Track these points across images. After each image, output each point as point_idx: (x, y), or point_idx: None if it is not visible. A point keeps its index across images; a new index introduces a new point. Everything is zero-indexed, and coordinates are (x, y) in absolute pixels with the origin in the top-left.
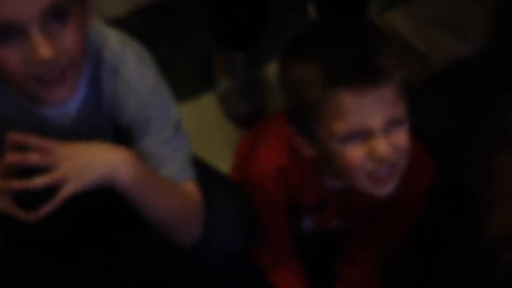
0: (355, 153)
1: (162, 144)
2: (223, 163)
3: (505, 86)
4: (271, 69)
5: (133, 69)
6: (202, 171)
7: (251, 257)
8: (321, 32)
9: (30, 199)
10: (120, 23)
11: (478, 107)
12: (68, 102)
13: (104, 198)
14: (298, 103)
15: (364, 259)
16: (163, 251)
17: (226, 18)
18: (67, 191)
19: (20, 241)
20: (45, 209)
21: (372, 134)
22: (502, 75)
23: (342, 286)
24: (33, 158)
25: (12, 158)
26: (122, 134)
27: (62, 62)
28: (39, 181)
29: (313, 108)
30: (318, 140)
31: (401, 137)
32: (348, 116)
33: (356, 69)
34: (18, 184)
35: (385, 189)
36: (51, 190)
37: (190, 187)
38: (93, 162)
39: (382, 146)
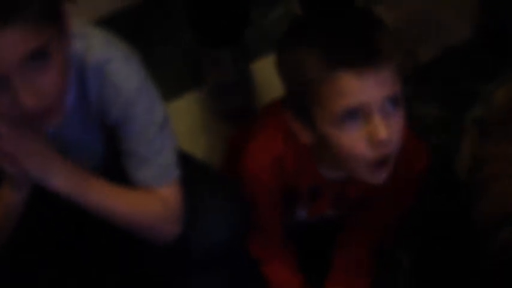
0: (352, 138)
1: (144, 144)
2: (213, 159)
3: (491, 74)
4: (259, 65)
5: (118, 68)
6: (191, 167)
7: (245, 250)
8: (318, 18)
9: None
10: (107, 22)
11: (465, 95)
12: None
13: None
14: (298, 85)
15: (357, 244)
16: (157, 247)
17: (207, 15)
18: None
19: (19, 242)
20: None
21: (370, 112)
22: (488, 64)
23: (336, 271)
24: None
25: None
26: (110, 137)
27: (46, 103)
28: None
29: (312, 89)
30: (315, 123)
31: (397, 121)
32: (347, 94)
33: (356, 50)
34: None
35: (381, 177)
36: None
37: (166, 190)
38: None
39: (382, 128)
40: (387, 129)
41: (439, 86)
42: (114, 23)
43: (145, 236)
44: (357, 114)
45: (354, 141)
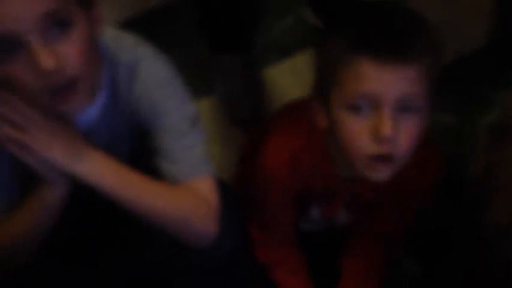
0: (357, 126)
1: (176, 139)
2: (225, 166)
3: (503, 83)
4: (270, 72)
5: (148, 67)
6: None
7: (253, 256)
8: (356, 15)
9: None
10: (120, 29)
11: (477, 102)
12: (84, 111)
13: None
14: (324, 65)
15: (366, 252)
16: (164, 251)
17: (218, 22)
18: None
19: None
20: None
21: (381, 106)
22: (500, 72)
23: (345, 280)
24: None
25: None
26: (138, 136)
27: (67, 74)
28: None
29: (335, 69)
30: (331, 106)
31: (409, 126)
32: (364, 80)
33: (384, 41)
34: None
35: (382, 175)
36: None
37: (202, 185)
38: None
39: (388, 124)
40: (393, 128)
41: (451, 93)
42: (127, 30)
43: (181, 234)
44: (369, 102)
45: (358, 131)
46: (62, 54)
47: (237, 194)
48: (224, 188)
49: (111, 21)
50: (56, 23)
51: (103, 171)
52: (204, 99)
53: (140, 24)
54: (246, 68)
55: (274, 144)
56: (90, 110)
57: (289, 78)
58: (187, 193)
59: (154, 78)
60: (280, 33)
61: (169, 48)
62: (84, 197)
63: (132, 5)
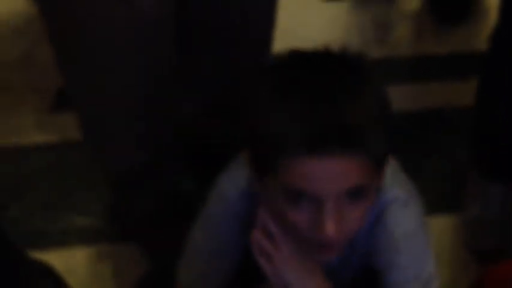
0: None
1: None
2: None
3: None
4: None
5: (394, 212)
6: None
7: None
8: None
9: None
10: None
11: None
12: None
13: None
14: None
15: None
16: None
17: (496, 147)
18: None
19: None
20: None
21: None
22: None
23: None
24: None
25: (256, 235)
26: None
27: (340, 238)
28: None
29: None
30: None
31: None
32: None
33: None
34: None
35: (327, 258)
36: None
37: None
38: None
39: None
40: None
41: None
42: None
43: None
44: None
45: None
46: (345, 220)
47: None
48: None
49: None
50: (353, 194)
51: None
52: (450, 216)
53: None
54: (507, 199)
55: None
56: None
57: None
58: None
59: (396, 227)
60: None
61: (429, 151)
62: None
63: None
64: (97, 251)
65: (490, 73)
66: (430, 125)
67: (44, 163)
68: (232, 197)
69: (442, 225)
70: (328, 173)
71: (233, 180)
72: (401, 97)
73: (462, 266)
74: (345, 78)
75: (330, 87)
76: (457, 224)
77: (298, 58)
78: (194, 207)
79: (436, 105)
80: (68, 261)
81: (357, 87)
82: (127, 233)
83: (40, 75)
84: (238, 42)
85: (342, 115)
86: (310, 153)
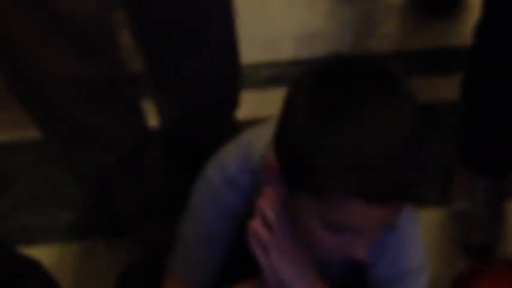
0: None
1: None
2: None
3: None
4: None
5: (404, 221)
6: None
7: None
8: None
9: None
10: None
11: None
12: None
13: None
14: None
15: None
16: None
17: (481, 141)
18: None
19: None
20: None
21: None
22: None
23: None
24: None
25: (254, 225)
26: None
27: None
28: None
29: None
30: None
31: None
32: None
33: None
34: None
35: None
36: None
37: None
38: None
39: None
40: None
41: None
42: None
43: None
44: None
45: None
46: (372, 242)
47: None
48: None
49: None
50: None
51: None
52: (433, 210)
53: None
54: (494, 194)
55: None
56: None
57: None
58: None
59: (406, 233)
60: None
61: None
62: None
63: None
64: (85, 246)
65: (475, 67)
66: None
67: (31, 159)
68: (220, 186)
69: (429, 219)
70: (375, 217)
71: (221, 169)
72: None
73: (449, 260)
74: (400, 116)
75: (384, 130)
76: (444, 218)
77: (340, 74)
78: (183, 200)
79: (421, 100)
80: (56, 256)
81: (415, 133)
82: (115, 228)
83: None
84: (199, 52)
85: (400, 173)
86: (361, 199)
